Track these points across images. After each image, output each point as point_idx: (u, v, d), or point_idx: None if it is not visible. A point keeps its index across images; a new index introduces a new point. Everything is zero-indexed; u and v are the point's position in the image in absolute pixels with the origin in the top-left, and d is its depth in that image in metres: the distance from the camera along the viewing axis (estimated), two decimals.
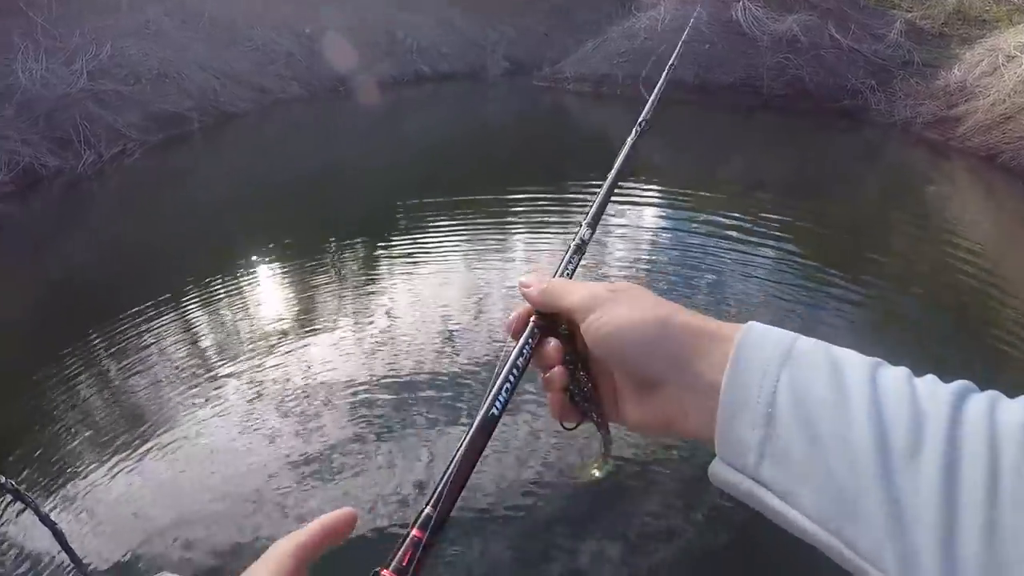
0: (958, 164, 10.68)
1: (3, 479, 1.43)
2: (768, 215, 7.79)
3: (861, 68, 13.87)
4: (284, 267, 6.85)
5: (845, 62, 14.01)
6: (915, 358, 5.16)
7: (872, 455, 0.40)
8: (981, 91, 11.21)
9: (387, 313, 5.57)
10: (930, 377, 0.45)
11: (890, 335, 5.54)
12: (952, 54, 13.12)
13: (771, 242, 6.95)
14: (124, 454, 4.02)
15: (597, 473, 0.63)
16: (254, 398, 4.46)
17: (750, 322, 0.50)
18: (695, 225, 7.46)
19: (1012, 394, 0.42)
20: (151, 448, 4.05)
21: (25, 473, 3.91)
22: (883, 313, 5.86)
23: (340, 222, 7.99)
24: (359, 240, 7.36)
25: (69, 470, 3.93)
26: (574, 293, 0.59)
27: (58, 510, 3.61)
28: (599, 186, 0.85)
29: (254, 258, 7.06)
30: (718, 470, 0.48)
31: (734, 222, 7.42)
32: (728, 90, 14.40)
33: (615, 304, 0.55)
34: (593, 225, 0.76)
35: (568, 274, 0.70)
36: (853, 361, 0.46)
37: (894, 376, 0.44)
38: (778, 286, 6.01)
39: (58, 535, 1.47)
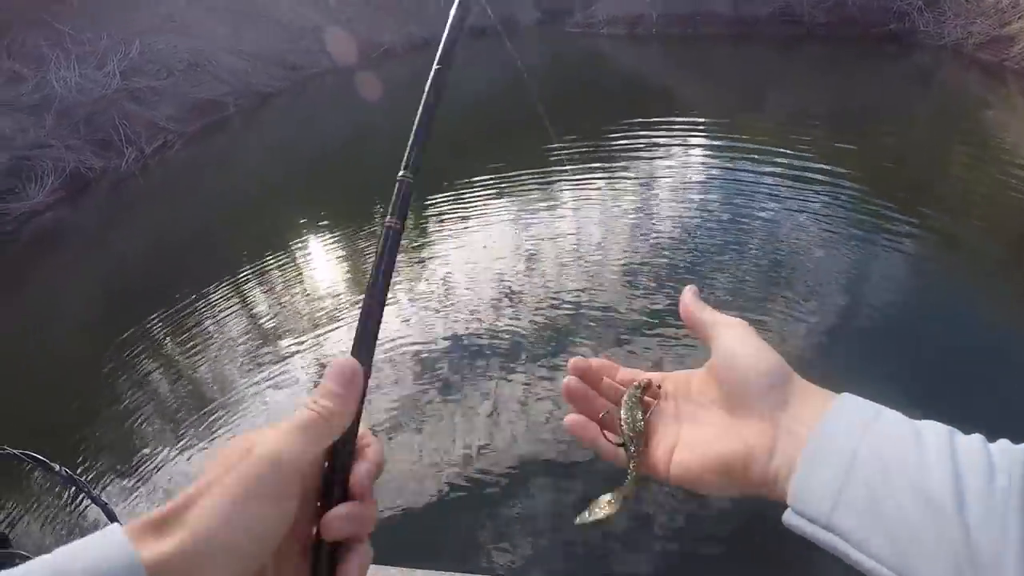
0: (1014, 86, 9.72)
1: (58, 467, 1.38)
2: (815, 149, 7.26)
3: None
4: (334, 239, 6.83)
5: None
6: (970, 290, 4.77)
7: (950, 502, 0.43)
8: None
9: (439, 274, 5.49)
10: (1003, 441, 0.46)
11: (946, 265, 5.13)
12: None
13: (821, 176, 6.47)
14: (185, 437, 4.03)
15: (608, 512, 0.60)
16: (317, 371, 4.41)
17: (846, 393, 0.53)
18: (742, 163, 7.05)
19: None
20: (212, 430, 4.06)
21: (86, 460, 3.98)
22: (938, 244, 5.36)
23: (384, 189, 7.81)
24: (416, 200, 7.19)
25: (131, 454, 3.97)
26: (709, 315, 0.62)
27: (119, 493, 3.66)
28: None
29: (303, 233, 7.06)
30: (791, 514, 0.50)
31: (781, 158, 6.94)
32: (767, 22, 13.60)
33: (745, 332, 0.59)
34: (414, 171, 0.62)
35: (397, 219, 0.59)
36: (932, 426, 0.48)
37: (970, 438, 0.47)
38: (831, 220, 5.61)
39: (111, 516, 1.41)
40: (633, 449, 0.60)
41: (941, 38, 11.69)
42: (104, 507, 1.41)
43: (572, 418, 0.63)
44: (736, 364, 0.56)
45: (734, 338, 0.58)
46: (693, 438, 0.59)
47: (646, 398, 0.64)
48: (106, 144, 9.92)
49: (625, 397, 0.63)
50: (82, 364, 5.18)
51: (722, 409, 0.58)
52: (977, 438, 0.46)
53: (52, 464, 1.40)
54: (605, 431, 0.63)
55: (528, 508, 3.17)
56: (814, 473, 0.48)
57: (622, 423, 0.62)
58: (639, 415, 0.62)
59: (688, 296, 0.63)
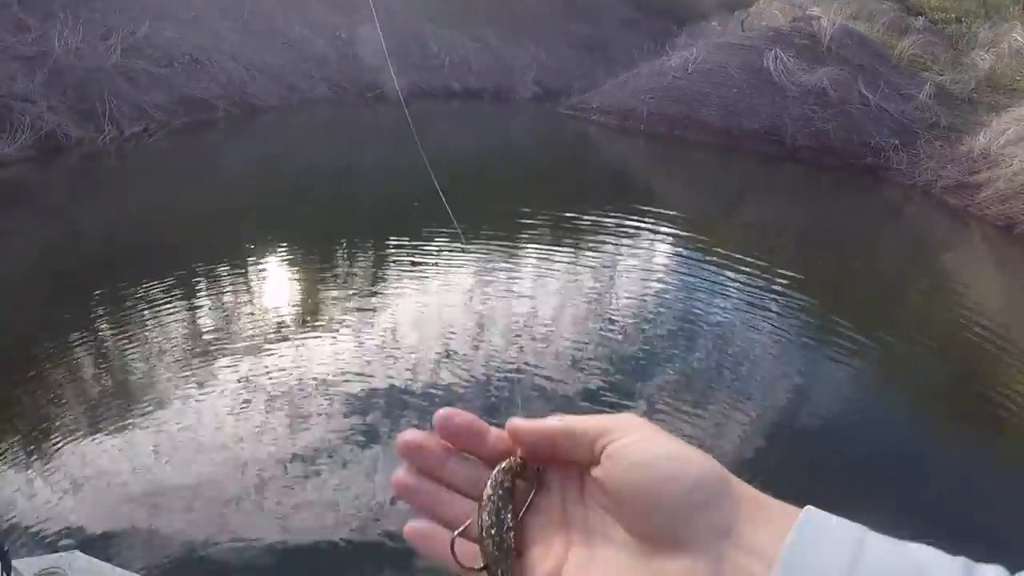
0: (975, 231, 10.62)
1: None
2: (779, 263, 7.70)
3: (887, 127, 13.89)
4: (290, 261, 6.81)
5: (872, 120, 14.03)
6: (920, 407, 5.21)
7: None
8: (1004, 160, 11.19)
9: (389, 321, 5.48)
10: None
11: (896, 385, 5.54)
12: (979, 120, 13.14)
13: (782, 288, 6.87)
14: (111, 428, 3.95)
15: None
16: (247, 387, 4.38)
17: (809, 507, 0.41)
18: (708, 269, 7.35)
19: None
20: (139, 425, 3.98)
21: (16, 438, 3.86)
22: (891, 365, 5.81)
23: (351, 224, 8.00)
24: (368, 244, 7.32)
25: (57, 439, 3.85)
26: (588, 419, 0.46)
27: (39, 475, 3.56)
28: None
29: (261, 248, 6.99)
30: None
31: (748, 270, 7.30)
32: (753, 137, 14.43)
33: (655, 433, 0.44)
34: None
35: None
36: (935, 558, 0.38)
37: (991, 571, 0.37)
38: (786, 333, 5.94)
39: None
40: (500, 573, 0.45)
41: (913, 177, 12.55)
42: None
43: (412, 526, 0.48)
44: (647, 477, 0.42)
45: (636, 441, 0.43)
46: (587, 571, 0.44)
47: (518, 483, 0.48)
48: (88, 115, 9.81)
49: (488, 486, 0.47)
50: (15, 335, 4.99)
51: (627, 532, 0.44)
52: (997, 571, 0.37)
53: None
54: (456, 543, 0.47)
55: None
56: None
57: (483, 533, 0.46)
58: (507, 518, 0.46)
59: (518, 422, 0.48)
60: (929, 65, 15.61)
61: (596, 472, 0.44)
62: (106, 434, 3.88)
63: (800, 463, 4.19)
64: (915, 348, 6.19)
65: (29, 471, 3.60)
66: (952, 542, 0.41)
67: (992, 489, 4.17)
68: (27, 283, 6.04)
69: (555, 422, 0.46)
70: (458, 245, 6.96)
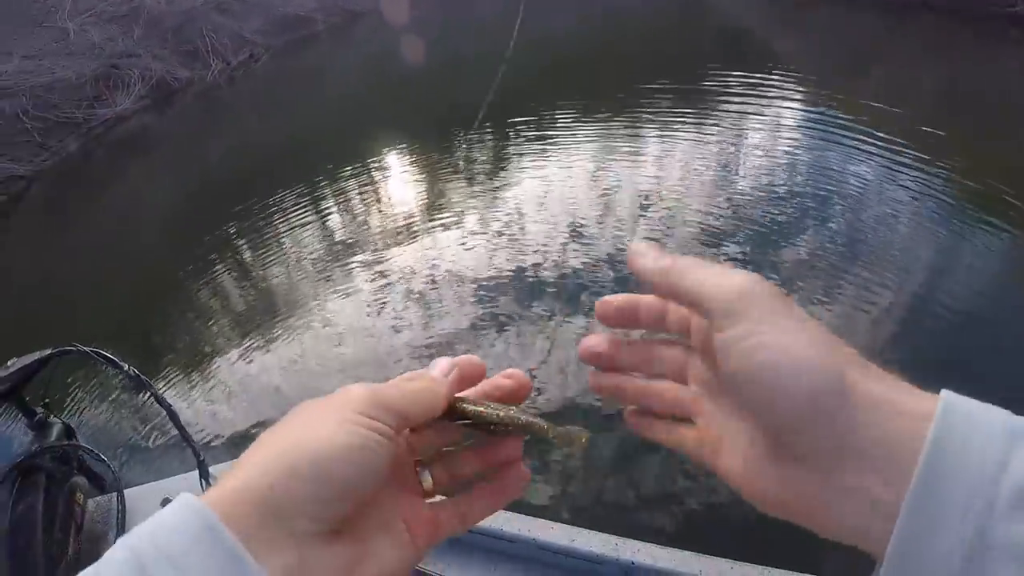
0: None
1: (127, 367, 1.41)
2: (911, 139, 6.08)
3: None
4: (412, 161, 6.57)
5: None
6: None
7: None
8: None
9: (514, 207, 5.14)
10: None
11: None
12: None
13: (914, 171, 5.38)
14: (257, 337, 4.02)
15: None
16: (383, 285, 4.29)
17: (945, 395, 0.33)
18: (832, 142, 6.00)
19: None
20: (282, 331, 4.04)
21: (155, 359, 4.03)
22: None
23: (466, 116, 7.42)
24: (487, 133, 6.74)
25: (197, 357, 4.00)
26: (710, 276, 0.40)
27: (191, 389, 3.71)
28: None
29: (383, 152, 6.79)
30: None
31: (876, 143, 5.81)
32: None
33: (775, 320, 0.38)
34: None
35: None
36: None
37: None
38: (919, 219, 4.60)
39: (172, 415, 1.47)
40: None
41: None
42: (169, 409, 1.43)
43: (632, 412, 0.47)
44: (758, 385, 0.36)
45: (745, 342, 0.36)
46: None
47: None
48: (192, 55, 9.79)
49: None
50: (159, 268, 5.26)
51: (754, 442, 0.39)
52: None
53: (121, 363, 1.42)
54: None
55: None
56: (917, 553, 0.31)
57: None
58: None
59: (643, 249, 0.43)
60: None
61: (715, 345, 0.39)
62: (254, 345, 3.98)
63: (944, 353, 3.30)
64: None
65: (188, 385, 3.77)
66: None
67: None
68: (166, 221, 6.19)
69: (680, 277, 0.41)
70: (580, 120, 6.61)
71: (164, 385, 3.70)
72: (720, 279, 0.39)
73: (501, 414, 0.46)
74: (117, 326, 4.46)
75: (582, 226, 4.63)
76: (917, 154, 5.53)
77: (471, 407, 0.46)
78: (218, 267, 4.95)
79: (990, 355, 3.22)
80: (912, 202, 4.78)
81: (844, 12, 11.90)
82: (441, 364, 0.46)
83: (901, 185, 5.03)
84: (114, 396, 3.64)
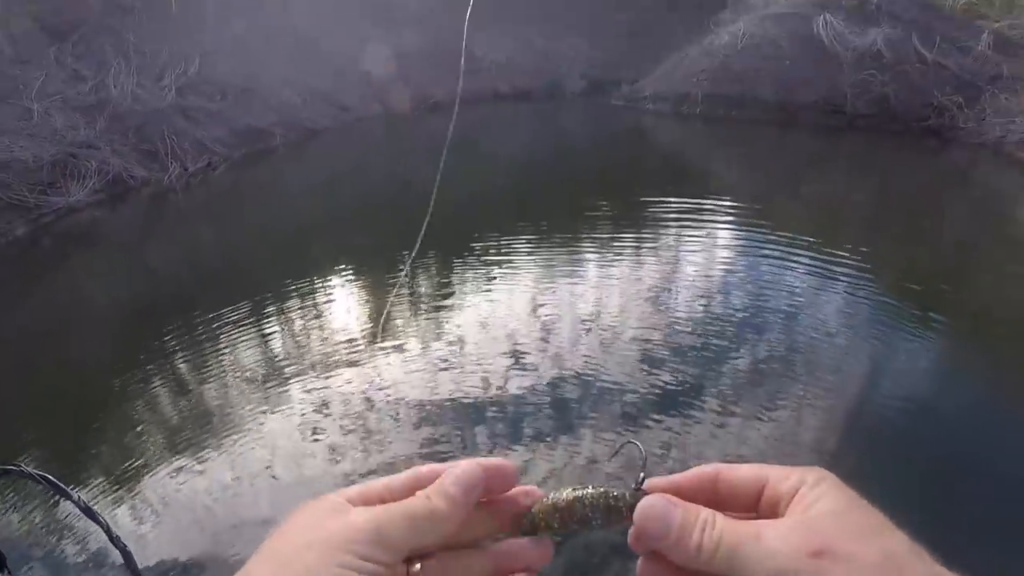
0: None
1: (76, 496, 1.28)
2: (850, 240, 6.99)
3: (948, 84, 12.89)
4: (358, 280, 6.74)
5: (931, 78, 13.07)
6: (997, 392, 4.57)
7: None
8: None
9: (457, 331, 5.36)
10: None
11: (972, 371, 4.89)
12: None
13: (849, 271, 6.23)
14: (192, 457, 3.96)
15: None
16: (320, 408, 4.33)
17: None
18: (774, 250, 6.79)
19: None
20: (217, 452, 3.99)
21: (96, 472, 3.92)
22: (965, 347, 5.20)
23: (415, 239, 7.78)
24: (434, 257, 7.11)
25: (138, 469, 3.90)
26: (760, 548, 0.41)
27: (122, 509, 3.58)
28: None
29: (328, 273, 6.93)
30: None
31: (812, 250, 6.69)
32: (811, 109, 13.68)
33: (837, 574, 0.38)
34: None
35: None
36: None
37: None
38: (858, 312, 5.43)
39: (126, 556, 1.32)
40: None
41: (981, 135, 11.65)
42: (124, 550, 1.26)
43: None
44: None
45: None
46: None
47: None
48: (152, 155, 9.91)
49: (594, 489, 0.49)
50: (95, 370, 5.14)
51: None
52: None
53: (71, 492, 1.26)
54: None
55: None
56: None
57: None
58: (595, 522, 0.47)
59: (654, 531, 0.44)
60: (984, 12, 14.62)
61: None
62: (187, 465, 3.88)
63: (883, 454, 3.81)
64: (995, 316, 5.60)
65: (113, 504, 3.61)
66: None
67: None
68: (105, 321, 6.10)
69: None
70: (522, 245, 6.97)
71: (94, 500, 3.51)
72: (758, 548, 0.40)
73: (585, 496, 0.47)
74: (41, 432, 4.33)
75: (523, 353, 4.85)
76: (847, 265, 6.24)
77: (547, 513, 0.47)
78: (155, 378, 4.87)
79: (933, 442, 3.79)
80: (844, 312, 5.38)
81: (779, 134, 13.18)
82: (464, 477, 0.46)
83: (834, 293, 5.68)
84: (55, 526, 3.47)
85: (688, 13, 20.22)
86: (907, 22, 14.07)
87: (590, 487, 0.47)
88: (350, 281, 6.73)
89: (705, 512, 0.44)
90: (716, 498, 0.46)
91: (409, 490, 0.47)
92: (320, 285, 6.56)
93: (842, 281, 5.97)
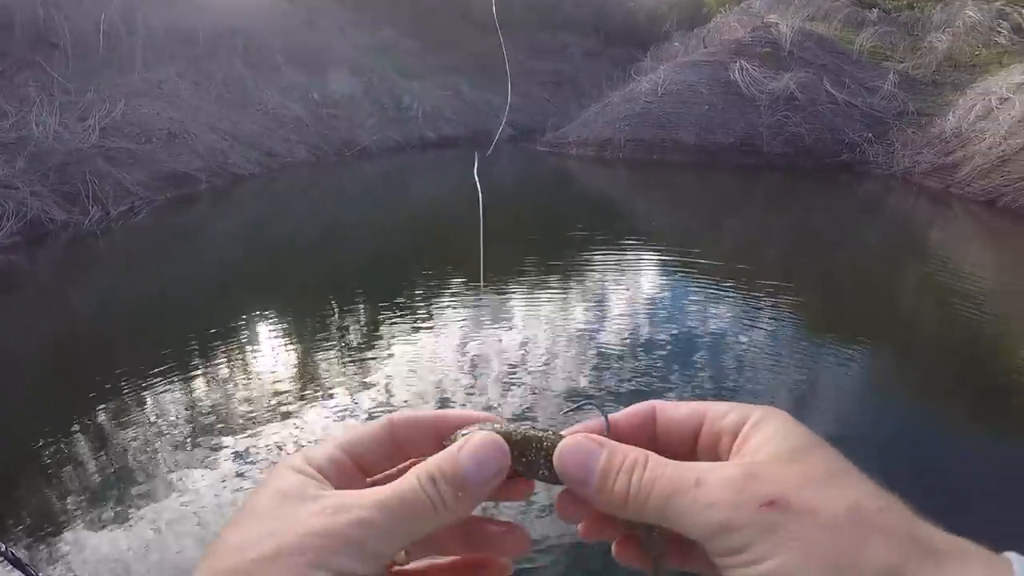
0: (959, 210, 10.74)
1: (3, 547, 1.37)
2: (770, 274, 7.65)
3: (858, 121, 14.16)
4: (284, 329, 6.73)
5: (842, 117, 14.33)
6: (922, 408, 5.05)
7: None
8: (977, 135, 11.37)
9: (385, 381, 5.40)
10: None
11: (900, 390, 5.37)
12: (946, 101, 13.41)
13: (772, 302, 6.77)
14: (113, 515, 3.88)
15: None
16: (246, 464, 4.29)
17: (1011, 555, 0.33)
18: (696, 288, 7.28)
19: None
20: (140, 510, 3.90)
21: (19, 530, 3.81)
22: (891, 367, 5.70)
23: (341, 285, 7.97)
24: (359, 304, 7.27)
25: (60, 528, 3.79)
26: (700, 497, 0.36)
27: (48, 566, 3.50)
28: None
29: (254, 323, 6.93)
30: None
31: (737, 283, 7.24)
32: (729, 150, 14.68)
33: (794, 532, 0.33)
34: None
35: None
36: None
37: None
38: (781, 342, 5.86)
39: None
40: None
41: (891, 167, 12.89)
42: None
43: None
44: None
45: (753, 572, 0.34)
46: None
47: None
48: (72, 198, 9.88)
49: None
50: (6, 424, 4.92)
51: None
52: None
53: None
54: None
55: None
56: None
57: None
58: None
59: (580, 449, 0.40)
60: (889, 54, 15.98)
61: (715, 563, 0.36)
62: (108, 522, 3.80)
63: None
64: (914, 340, 6.14)
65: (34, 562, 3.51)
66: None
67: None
68: (21, 372, 5.95)
69: (648, 504, 0.38)
70: (446, 293, 7.11)
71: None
72: (697, 498, 0.35)
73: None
74: None
75: (450, 400, 4.94)
76: (768, 296, 6.71)
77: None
78: (75, 434, 4.70)
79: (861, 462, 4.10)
80: (770, 338, 5.77)
81: (701, 176, 13.97)
82: (487, 458, 0.39)
83: (756, 327, 6.04)
84: None
85: (610, 63, 21.29)
86: (818, 66, 15.29)
87: (551, 431, 0.42)
88: (275, 331, 6.70)
89: (635, 452, 0.39)
90: (655, 442, 0.42)
91: (400, 453, 0.43)
92: (244, 337, 6.51)
93: (765, 310, 6.48)
